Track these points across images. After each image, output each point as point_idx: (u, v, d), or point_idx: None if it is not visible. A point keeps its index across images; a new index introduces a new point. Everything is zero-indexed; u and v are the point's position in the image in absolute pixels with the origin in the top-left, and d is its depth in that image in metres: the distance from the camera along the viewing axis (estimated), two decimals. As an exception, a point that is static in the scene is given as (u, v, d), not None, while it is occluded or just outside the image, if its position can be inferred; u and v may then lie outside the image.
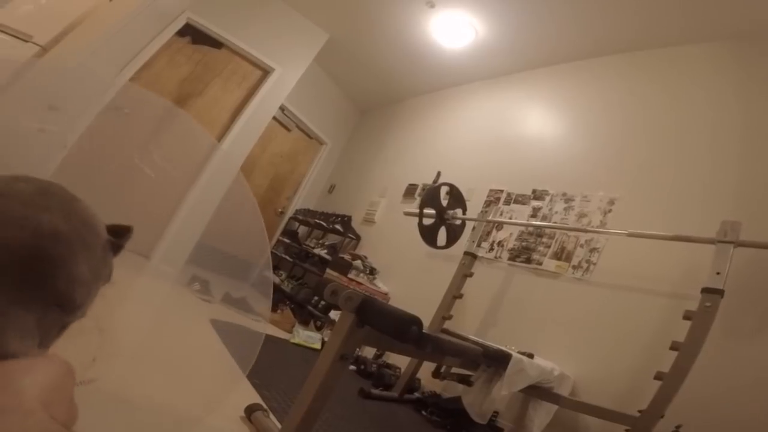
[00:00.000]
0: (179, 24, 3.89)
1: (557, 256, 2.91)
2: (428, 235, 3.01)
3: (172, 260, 3.61)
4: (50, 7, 3.13)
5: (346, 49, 4.94)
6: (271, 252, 5.48)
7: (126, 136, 3.77)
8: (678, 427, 1.84)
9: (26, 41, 2.93)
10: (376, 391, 2.59)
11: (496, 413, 2.53)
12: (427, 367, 2.71)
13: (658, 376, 1.83)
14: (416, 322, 1.32)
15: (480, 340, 2.29)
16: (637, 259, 2.55)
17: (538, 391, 2.26)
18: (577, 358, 2.53)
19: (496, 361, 2.10)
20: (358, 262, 3.92)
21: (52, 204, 0.50)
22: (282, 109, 5.07)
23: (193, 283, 3.34)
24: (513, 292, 3.07)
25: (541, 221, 3.14)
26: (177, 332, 2.21)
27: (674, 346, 1.83)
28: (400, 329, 1.30)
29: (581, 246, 2.82)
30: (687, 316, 1.85)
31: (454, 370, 2.50)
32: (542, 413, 2.37)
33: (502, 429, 2.53)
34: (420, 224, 2.95)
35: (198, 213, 3.99)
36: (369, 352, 3.37)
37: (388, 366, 3.05)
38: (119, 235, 0.57)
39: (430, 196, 3.02)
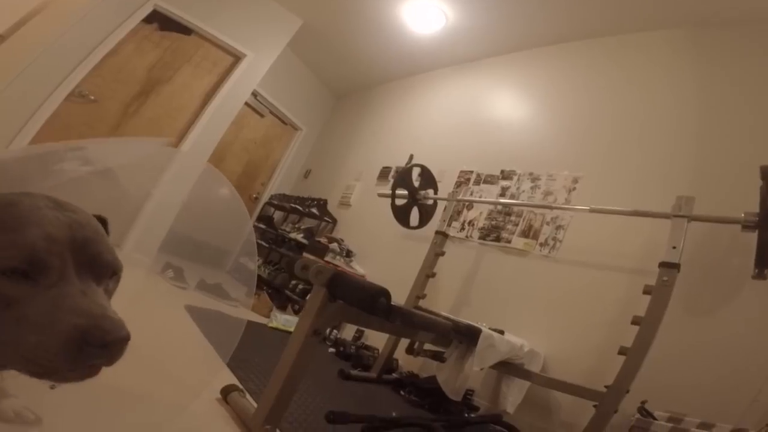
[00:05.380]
0: (146, 11, 3.80)
1: (525, 233, 3.00)
2: (401, 215, 3.07)
3: (145, 248, 3.57)
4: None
5: (320, 35, 4.90)
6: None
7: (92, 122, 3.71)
8: (643, 402, 1.90)
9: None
10: (355, 372, 2.64)
11: (471, 391, 2.60)
12: (404, 349, 2.76)
13: (622, 351, 1.89)
14: (384, 293, 1.37)
15: (451, 316, 2.36)
16: (601, 236, 2.65)
17: (509, 368, 2.33)
18: (547, 334, 2.62)
19: (467, 336, 2.16)
20: (334, 245, 3.95)
21: (58, 205, 0.59)
22: (255, 95, 5.02)
23: (166, 270, 3.33)
24: (484, 271, 3.15)
25: (509, 200, 3.23)
26: (152, 319, 2.20)
27: (635, 321, 1.90)
28: (369, 301, 1.35)
29: (547, 223, 2.91)
30: (646, 291, 1.92)
31: (427, 346, 2.57)
32: (515, 390, 2.44)
33: (478, 407, 2.60)
34: (393, 205, 3.00)
35: (170, 200, 3.93)
36: (348, 334, 3.43)
37: (367, 348, 3.11)
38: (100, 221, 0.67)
39: (401, 177, 3.07)
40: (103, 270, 0.59)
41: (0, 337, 0.50)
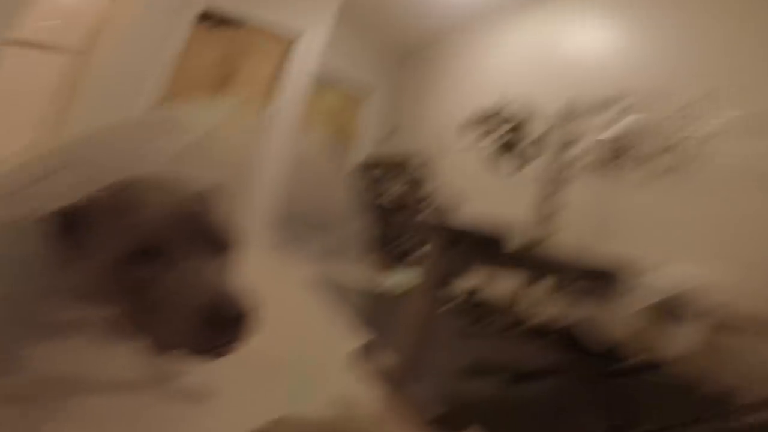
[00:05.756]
0: (197, 11, 3.85)
1: (663, 153, 2.53)
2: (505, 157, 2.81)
3: (258, 221, 3.59)
4: (71, 14, 3.30)
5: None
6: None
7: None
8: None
9: (59, 52, 3.20)
10: (479, 327, 2.47)
11: (620, 342, 2.27)
12: (534, 297, 2.49)
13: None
14: (506, 236, 1.19)
15: (587, 256, 2.07)
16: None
17: (668, 308, 1.93)
18: (718, 264, 2.05)
19: (609, 277, 1.89)
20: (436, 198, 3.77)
21: (169, 182, 0.60)
22: (317, 71, 4.85)
23: (281, 242, 3.39)
24: (621, 200, 2.71)
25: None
26: (280, 293, 2.27)
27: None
28: (491, 245, 1.18)
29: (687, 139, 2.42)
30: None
31: (562, 293, 2.29)
32: (677, 334, 2.06)
33: (631, 356, 2.25)
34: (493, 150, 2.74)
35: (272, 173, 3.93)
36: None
37: (489, 301, 2.89)
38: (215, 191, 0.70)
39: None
40: (220, 242, 0.58)
41: (133, 319, 0.52)
